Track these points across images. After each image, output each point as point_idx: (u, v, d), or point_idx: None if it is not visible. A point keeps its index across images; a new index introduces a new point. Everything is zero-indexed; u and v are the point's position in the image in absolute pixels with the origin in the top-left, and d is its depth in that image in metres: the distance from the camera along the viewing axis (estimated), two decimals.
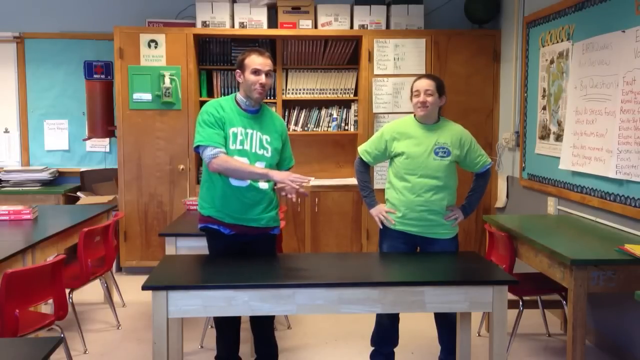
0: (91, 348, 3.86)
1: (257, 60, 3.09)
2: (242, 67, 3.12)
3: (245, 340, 3.55)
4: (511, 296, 3.18)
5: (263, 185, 3.13)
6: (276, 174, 3.05)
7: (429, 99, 3.31)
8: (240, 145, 3.10)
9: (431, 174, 3.32)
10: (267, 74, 3.10)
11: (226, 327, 3.27)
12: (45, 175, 5.71)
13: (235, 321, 3.26)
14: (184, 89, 5.36)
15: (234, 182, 3.10)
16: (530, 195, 4.82)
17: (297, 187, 3.00)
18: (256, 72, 3.08)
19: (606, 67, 3.71)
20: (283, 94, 5.66)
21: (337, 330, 4.18)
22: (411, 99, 3.42)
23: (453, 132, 3.38)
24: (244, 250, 3.24)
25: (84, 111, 5.82)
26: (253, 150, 3.12)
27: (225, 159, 3.05)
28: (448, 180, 3.36)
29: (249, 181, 3.10)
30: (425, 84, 3.33)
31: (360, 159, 3.52)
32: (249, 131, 3.13)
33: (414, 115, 3.43)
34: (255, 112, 3.18)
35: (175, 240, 3.84)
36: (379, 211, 3.45)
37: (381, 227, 3.46)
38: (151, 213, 5.44)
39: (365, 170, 3.54)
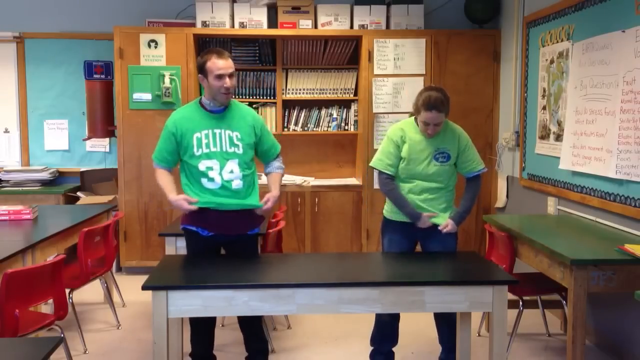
0: (91, 348, 3.86)
1: (218, 64, 3.08)
2: (203, 71, 3.12)
3: (240, 340, 3.54)
4: (511, 296, 3.18)
5: (236, 184, 3.16)
6: (170, 198, 3.18)
7: (438, 128, 3.31)
8: (206, 149, 3.13)
9: (431, 179, 3.36)
10: (230, 76, 3.11)
11: (202, 326, 3.32)
12: (45, 175, 5.70)
13: (210, 320, 3.32)
14: (184, 89, 5.36)
15: (207, 184, 3.15)
16: (530, 195, 4.82)
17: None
18: (219, 77, 3.08)
19: (606, 67, 3.71)
20: (283, 94, 5.66)
21: (337, 330, 4.18)
22: (415, 108, 3.35)
23: (452, 134, 3.41)
24: (223, 250, 3.32)
25: (84, 111, 5.82)
26: (224, 149, 3.14)
27: (156, 176, 3.28)
28: (447, 182, 3.41)
29: (220, 182, 3.14)
30: (437, 117, 3.23)
31: (386, 175, 3.40)
32: (217, 131, 3.16)
33: (415, 119, 3.43)
34: (221, 111, 3.20)
35: (175, 240, 3.85)
36: (424, 222, 3.37)
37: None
38: (151, 213, 5.44)
39: (395, 186, 3.39)
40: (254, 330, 3.35)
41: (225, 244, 3.30)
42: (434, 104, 3.22)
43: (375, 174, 5.40)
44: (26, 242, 3.40)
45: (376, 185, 5.41)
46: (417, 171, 3.35)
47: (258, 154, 3.34)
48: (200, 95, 5.47)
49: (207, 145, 3.14)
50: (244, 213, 3.21)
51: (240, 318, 3.33)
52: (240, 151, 3.17)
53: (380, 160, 3.43)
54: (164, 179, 3.25)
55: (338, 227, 5.57)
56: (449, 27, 5.67)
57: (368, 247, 5.54)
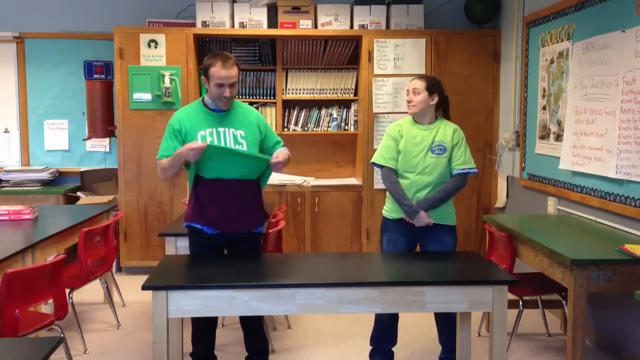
0: (91, 348, 3.86)
1: (220, 73, 3.08)
2: (207, 75, 3.14)
3: (240, 340, 3.54)
4: (511, 296, 3.18)
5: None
6: (178, 151, 3.03)
7: (416, 98, 3.38)
8: None
9: (428, 172, 3.37)
10: (231, 86, 3.12)
11: (203, 327, 3.33)
12: (45, 175, 5.70)
13: (212, 320, 3.33)
14: (184, 89, 5.36)
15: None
16: (530, 195, 4.82)
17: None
18: (220, 85, 3.10)
19: (606, 67, 3.71)
20: (283, 94, 5.66)
21: (337, 330, 4.18)
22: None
23: (449, 129, 3.44)
24: (227, 249, 3.31)
25: (84, 111, 5.82)
26: (228, 147, 3.15)
27: (159, 166, 3.17)
28: (445, 177, 3.41)
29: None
30: (414, 83, 3.42)
31: (388, 169, 3.43)
32: (221, 129, 3.18)
33: (413, 117, 3.47)
34: (224, 110, 3.22)
35: (175, 240, 3.85)
36: (421, 219, 3.37)
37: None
38: (151, 213, 5.44)
39: (397, 180, 3.41)
40: (255, 330, 3.36)
41: (229, 243, 3.30)
42: (417, 75, 3.58)
43: (377, 172, 5.46)
44: (26, 242, 3.40)
45: (376, 185, 5.45)
46: (414, 163, 3.37)
47: (264, 152, 3.33)
48: (201, 94, 5.51)
49: (212, 143, 3.14)
50: (247, 209, 3.21)
51: (241, 317, 3.34)
52: (245, 149, 3.19)
53: (380, 156, 3.47)
54: (164, 160, 3.16)
55: (338, 227, 5.57)
56: (449, 27, 5.67)
57: (368, 247, 5.54)
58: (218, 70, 3.09)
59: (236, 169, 3.13)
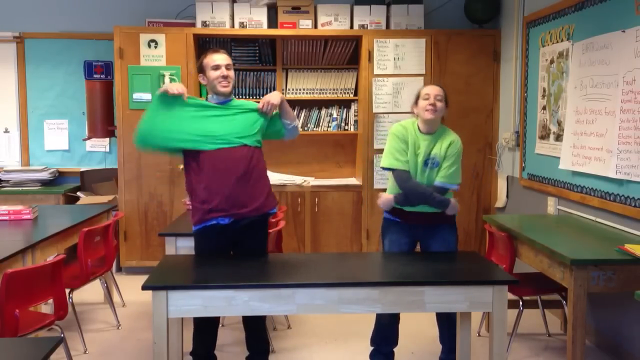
0: (91, 348, 3.86)
1: (214, 57, 3.23)
2: (202, 69, 3.26)
3: (240, 340, 3.55)
4: (511, 296, 3.18)
5: None
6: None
7: (439, 104, 3.34)
8: None
9: (425, 182, 3.35)
10: (227, 67, 3.22)
11: (205, 326, 3.33)
12: (45, 175, 5.70)
13: (214, 319, 3.34)
14: None
15: None
16: (530, 195, 4.82)
17: None
18: (216, 67, 3.20)
19: (606, 67, 3.71)
20: (283, 93, 5.66)
21: (337, 330, 4.18)
22: (415, 103, 3.41)
23: (445, 143, 3.36)
24: (235, 240, 3.27)
25: (84, 111, 5.82)
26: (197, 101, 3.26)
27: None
28: None
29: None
30: (437, 89, 3.38)
31: (402, 170, 3.34)
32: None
33: (417, 123, 3.43)
34: (224, 102, 3.26)
35: (175, 240, 3.85)
36: (453, 208, 3.36)
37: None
38: (151, 213, 5.44)
39: (417, 180, 3.34)
40: (257, 330, 3.37)
41: (240, 231, 3.23)
42: (431, 84, 3.67)
43: (377, 172, 5.47)
44: (26, 242, 3.40)
45: (376, 185, 5.45)
46: (413, 172, 3.34)
47: (271, 135, 3.39)
48: (201, 95, 5.51)
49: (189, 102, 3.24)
50: (254, 190, 3.19)
51: (244, 317, 3.35)
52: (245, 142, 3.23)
53: (395, 159, 3.35)
54: None
55: (338, 227, 5.57)
56: (449, 27, 5.67)
57: (368, 247, 5.54)
58: (211, 57, 3.24)
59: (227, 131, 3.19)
